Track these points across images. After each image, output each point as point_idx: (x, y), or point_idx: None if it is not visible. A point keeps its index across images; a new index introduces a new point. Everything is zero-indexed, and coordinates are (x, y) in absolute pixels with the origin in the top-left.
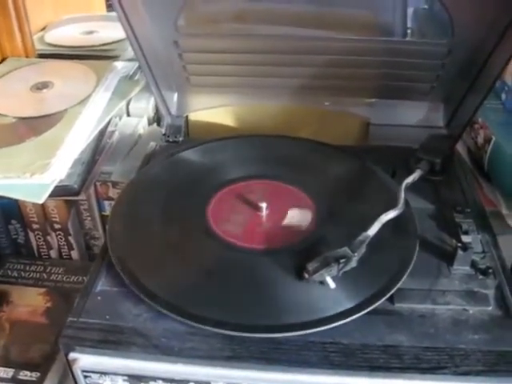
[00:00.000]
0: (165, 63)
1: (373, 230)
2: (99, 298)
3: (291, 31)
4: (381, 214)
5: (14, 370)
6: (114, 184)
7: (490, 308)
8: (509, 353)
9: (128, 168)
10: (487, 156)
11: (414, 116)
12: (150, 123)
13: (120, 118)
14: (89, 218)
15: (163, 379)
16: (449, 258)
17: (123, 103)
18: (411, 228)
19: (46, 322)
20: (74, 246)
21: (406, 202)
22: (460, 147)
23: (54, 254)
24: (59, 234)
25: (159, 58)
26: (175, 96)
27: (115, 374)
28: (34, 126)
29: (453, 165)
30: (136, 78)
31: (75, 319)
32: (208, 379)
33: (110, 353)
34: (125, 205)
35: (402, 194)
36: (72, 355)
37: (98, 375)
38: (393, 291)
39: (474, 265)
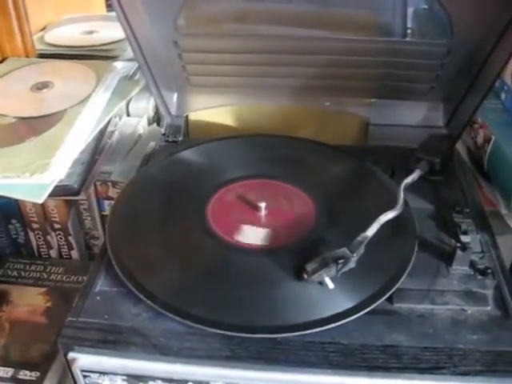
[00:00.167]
0: (164, 63)
1: (372, 231)
2: (98, 297)
3: (291, 31)
4: (380, 214)
5: (13, 369)
6: (114, 184)
7: (489, 308)
8: (507, 353)
9: (128, 168)
10: (487, 156)
11: (414, 116)
12: (149, 123)
13: (120, 118)
14: (89, 218)
15: (162, 379)
16: (448, 258)
17: (123, 103)
18: (410, 228)
19: (46, 321)
20: (74, 245)
21: (405, 202)
22: (459, 147)
23: (53, 253)
24: (59, 234)
25: (159, 57)
26: (175, 96)
27: (114, 373)
28: (34, 125)
29: (452, 165)
30: (136, 77)
31: (74, 319)
32: (207, 379)
33: (109, 352)
34: (124, 204)
35: (401, 194)
36: (71, 355)
37: (97, 375)
38: (392, 291)
39: (472, 265)
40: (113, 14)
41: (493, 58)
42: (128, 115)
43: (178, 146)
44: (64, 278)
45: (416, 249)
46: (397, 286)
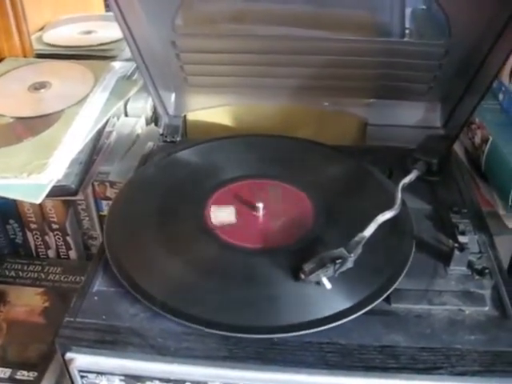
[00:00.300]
0: (162, 63)
1: (369, 231)
2: (96, 298)
3: (289, 31)
4: (377, 214)
5: (11, 369)
6: (112, 184)
7: (487, 308)
8: (505, 353)
9: (126, 168)
10: (484, 156)
11: (412, 116)
12: (147, 123)
13: (118, 118)
14: (86, 218)
15: (160, 379)
16: (445, 258)
17: (121, 103)
18: (408, 228)
19: (44, 321)
20: (72, 245)
21: (403, 203)
22: (457, 147)
23: (51, 253)
24: (57, 234)
25: (156, 58)
26: (173, 96)
27: (112, 373)
28: (32, 125)
29: (450, 165)
30: (134, 77)
31: (72, 319)
32: (204, 379)
33: (106, 353)
34: (122, 205)
35: (399, 195)
36: (69, 355)
37: (95, 375)
38: (389, 291)
39: (470, 265)
40: (111, 13)
41: (490, 59)
42: (126, 115)
43: (176, 146)
44: (62, 278)
45: (414, 249)
46: (394, 286)
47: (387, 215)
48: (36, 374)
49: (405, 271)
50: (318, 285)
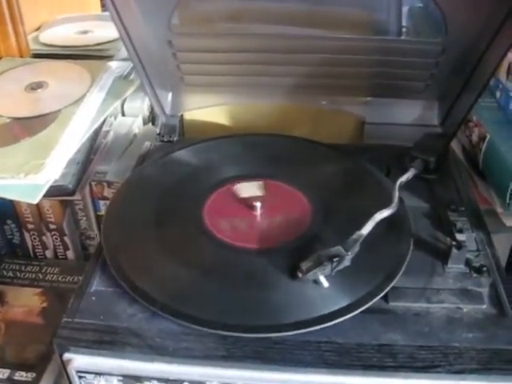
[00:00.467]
0: (159, 63)
1: (366, 229)
2: (94, 298)
3: (285, 30)
4: (375, 212)
5: (9, 370)
6: (109, 184)
7: (484, 306)
8: (503, 351)
9: (123, 168)
10: (482, 154)
11: (409, 114)
12: (145, 123)
13: (115, 118)
14: (84, 218)
15: (158, 379)
16: (443, 256)
17: (118, 103)
18: (405, 226)
19: (42, 322)
20: (70, 246)
21: (401, 201)
22: (455, 145)
23: (49, 254)
24: (54, 234)
25: (153, 57)
26: (169, 95)
27: (110, 374)
28: (29, 126)
29: (447, 163)
30: (131, 77)
31: (70, 320)
32: (203, 379)
33: (104, 353)
34: (120, 204)
35: (396, 193)
36: (66, 356)
37: (93, 376)
38: (387, 290)
39: (468, 263)
40: (107, 13)
41: (487, 56)
42: (123, 115)
43: (173, 146)
44: (60, 279)
45: (411, 247)
46: (392, 284)
47: (385, 213)
48: (34, 374)
49: (402, 269)
50: (316, 283)
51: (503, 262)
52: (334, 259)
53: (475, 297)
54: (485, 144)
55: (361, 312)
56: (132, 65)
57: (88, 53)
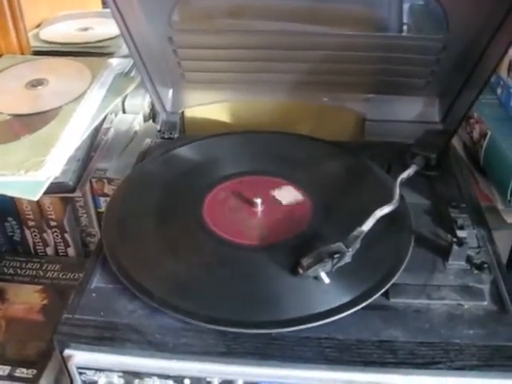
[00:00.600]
0: (159, 59)
1: (367, 226)
2: (94, 294)
3: (286, 26)
4: (376, 209)
5: (10, 367)
6: (110, 181)
7: (485, 303)
8: (504, 347)
9: (123, 165)
10: (483, 151)
11: (410, 111)
12: (145, 120)
13: (115, 115)
14: (85, 215)
15: (158, 375)
16: (444, 253)
17: (118, 100)
18: (406, 223)
19: (43, 319)
20: (70, 242)
21: (401, 198)
22: (456, 142)
23: (50, 251)
24: (55, 231)
25: (153, 54)
26: (170, 92)
27: (110, 370)
28: (29, 123)
29: (448, 160)
30: (131, 74)
31: (70, 316)
32: (203, 375)
33: (104, 349)
34: (120, 201)
35: (397, 190)
36: (67, 352)
37: (93, 372)
38: (388, 286)
39: (469, 260)
40: (108, 10)
41: (488, 53)
42: (124, 112)
43: (174, 143)
44: (60, 276)
45: (412, 244)
46: (393, 280)
47: (385, 210)
48: (35, 371)
49: (403, 266)
50: (316, 279)
51: (504, 258)
52: (335, 256)
53: (476, 293)
54: (486, 141)
55: (361, 308)
56: (133, 62)
57: (89, 50)
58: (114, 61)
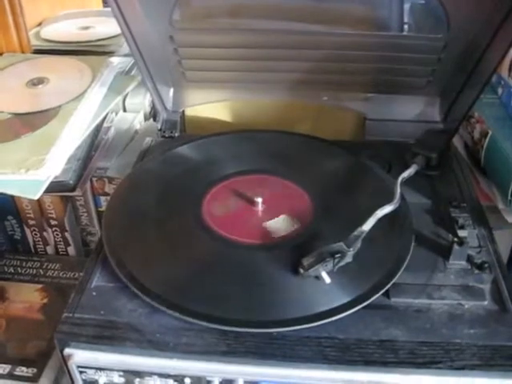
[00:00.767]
0: (160, 58)
1: (368, 225)
2: (94, 293)
3: (287, 26)
4: (377, 208)
5: (10, 366)
6: (110, 179)
7: (486, 303)
8: (504, 347)
9: (124, 163)
10: (483, 150)
11: (410, 111)
12: (146, 118)
13: (116, 114)
14: (85, 214)
15: (158, 374)
16: (445, 252)
17: (119, 99)
18: (407, 223)
19: (43, 318)
20: (71, 241)
21: (402, 197)
22: (456, 142)
23: (50, 250)
24: (55, 230)
25: (154, 53)
26: (171, 91)
27: (111, 369)
28: (30, 121)
29: (449, 159)
30: (132, 73)
31: (70, 315)
32: (203, 374)
33: (105, 348)
34: (120, 200)
35: (398, 189)
36: (67, 351)
37: (94, 371)
38: (388, 286)
39: (469, 259)
40: (109, 9)
41: (489, 53)
42: (124, 111)
43: (175, 142)
44: (60, 275)
45: (413, 243)
46: (393, 280)
47: (386, 209)
48: (35, 370)
49: (404, 265)
50: (317, 279)
51: (505, 258)
52: (336, 255)
53: (477, 293)
54: (487, 140)
55: (362, 308)
56: (133, 60)
57: (89, 49)
58: (114, 60)
